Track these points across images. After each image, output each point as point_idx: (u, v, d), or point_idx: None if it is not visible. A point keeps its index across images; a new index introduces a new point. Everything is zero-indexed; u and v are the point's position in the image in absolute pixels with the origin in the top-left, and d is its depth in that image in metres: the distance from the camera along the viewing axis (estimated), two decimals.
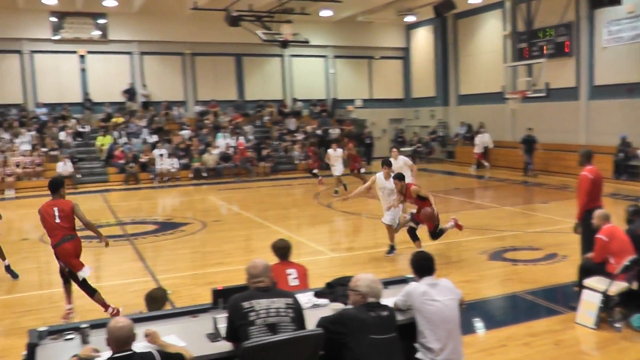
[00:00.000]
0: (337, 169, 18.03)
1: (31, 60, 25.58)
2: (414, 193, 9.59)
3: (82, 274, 7.21)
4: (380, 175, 10.50)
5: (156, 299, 5.32)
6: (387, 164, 10.62)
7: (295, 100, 29.93)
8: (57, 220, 7.18)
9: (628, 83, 20.32)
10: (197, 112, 27.87)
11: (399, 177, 9.82)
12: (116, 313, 7.09)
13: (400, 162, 12.77)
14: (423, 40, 30.84)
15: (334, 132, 27.68)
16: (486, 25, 26.84)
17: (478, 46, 27.48)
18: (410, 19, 29.14)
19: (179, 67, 27.96)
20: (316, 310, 4.69)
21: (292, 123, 28.23)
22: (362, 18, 28.57)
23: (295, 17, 23.21)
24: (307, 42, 23.52)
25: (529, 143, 22.22)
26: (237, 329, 4.02)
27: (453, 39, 28.98)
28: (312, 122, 28.51)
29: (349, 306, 4.38)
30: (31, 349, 4.14)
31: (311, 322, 4.23)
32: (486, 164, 23.94)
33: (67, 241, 7.18)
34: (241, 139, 25.88)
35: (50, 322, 4.89)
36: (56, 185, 7.45)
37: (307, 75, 30.25)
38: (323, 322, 4.16)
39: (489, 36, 26.69)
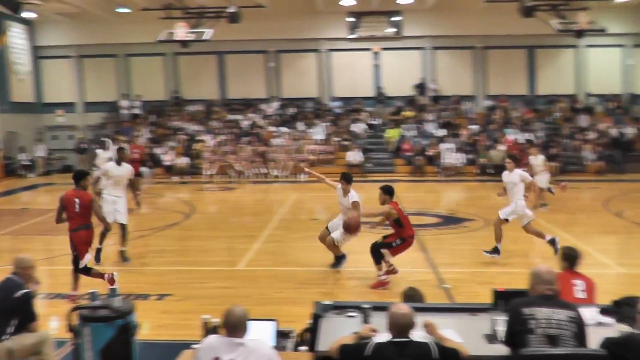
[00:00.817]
0: (539, 179, 14.73)
1: (327, 58, 28.18)
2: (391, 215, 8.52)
3: (84, 261, 8.00)
4: (339, 189, 9.29)
5: (412, 297, 5.56)
6: (345, 179, 9.28)
7: (588, 95, 27.77)
8: (77, 210, 7.97)
9: None
10: (486, 106, 27.64)
11: (385, 189, 8.66)
12: (111, 277, 7.81)
13: (516, 177, 10.38)
14: None
15: (629, 131, 25.15)
16: None
17: None
18: None
19: (469, 61, 28.06)
20: (600, 329, 4.43)
21: (583, 120, 26.19)
22: None
23: (592, 3, 21.68)
24: (603, 30, 22.10)
25: None
26: (516, 335, 4.02)
27: None
28: (605, 119, 26.08)
29: (638, 331, 4.11)
30: (316, 319, 4.61)
31: (592, 340, 4.05)
32: None
33: (83, 229, 8.02)
34: (508, 137, 24.80)
35: (334, 298, 5.38)
36: (79, 177, 8.20)
37: (602, 67, 27.64)
38: (607, 343, 3.96)
39: None
